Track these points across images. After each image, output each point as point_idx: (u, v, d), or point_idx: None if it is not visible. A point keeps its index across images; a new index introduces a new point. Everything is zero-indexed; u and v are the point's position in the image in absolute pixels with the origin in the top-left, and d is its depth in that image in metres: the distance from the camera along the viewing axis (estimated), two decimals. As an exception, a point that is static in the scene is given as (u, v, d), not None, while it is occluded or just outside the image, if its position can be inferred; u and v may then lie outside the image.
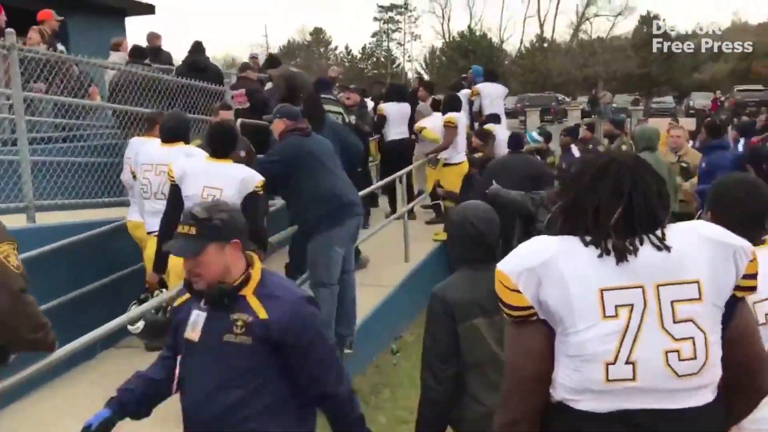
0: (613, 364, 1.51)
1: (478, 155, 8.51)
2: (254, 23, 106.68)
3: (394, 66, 60.73)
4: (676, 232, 1.60)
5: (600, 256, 1.54)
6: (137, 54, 7.48)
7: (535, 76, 49.62)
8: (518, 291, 1.58)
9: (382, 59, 61.30)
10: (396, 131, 8.64)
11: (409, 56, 61.49)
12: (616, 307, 1.52)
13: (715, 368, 1.56)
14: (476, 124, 10.04)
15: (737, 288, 1.59)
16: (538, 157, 8.31)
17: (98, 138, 6.22)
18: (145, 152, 4.70)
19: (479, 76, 11.64)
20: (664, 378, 1.52)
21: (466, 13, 60.84)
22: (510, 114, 28.96)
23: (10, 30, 4.59)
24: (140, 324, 4.50)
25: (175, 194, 4.17)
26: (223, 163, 4.17)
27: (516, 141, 7.36)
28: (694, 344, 1.52)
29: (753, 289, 1.62)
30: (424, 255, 7.38)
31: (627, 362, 1.51)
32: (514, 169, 6.38)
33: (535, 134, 9.74)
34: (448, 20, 60.19)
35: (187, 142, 4.77)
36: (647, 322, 1.52)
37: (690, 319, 1.53)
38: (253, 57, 12.51)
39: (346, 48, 61.30)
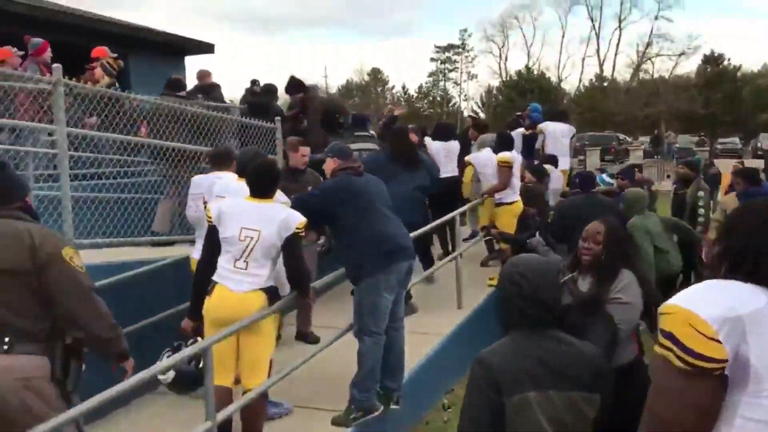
0: None
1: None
2: (314, 64, 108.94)
3: (450, 105, 60.83)
4: None
5: None
6: (174, 86, 7.32)
7: (594, 115, 48.82)
8: (718, 341, 1.41)
9: (438, 98, 61.53)
10: (443, 170, 8.36)
11: (465, 95, 61.59)
12: None
13: None
14: (535, 162, 9.68)
15: None
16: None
17: (140, 175, 6.11)
18: (223, 185, 4.61)
19: (537, 113, 11.30)
20: None
21: (523, 52, 60.59)
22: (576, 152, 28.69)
23: (57, 65, 4.50)
24: (170, 374, 4.27)
25: (211, 236, 3.99)
26: (263, 203, 3.97)
27: (587, 181, 7.02)
28: None
29: None
30: (479, 301, 6.97)
31: None
32: (589, 212, 6.02)
33: (606, 177, 9.27)
34: (506, 60, 59.99)
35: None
36: None
37: None
38: (313, 87, 12.41)
39: (403, 87, 61.80)
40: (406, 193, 6.35)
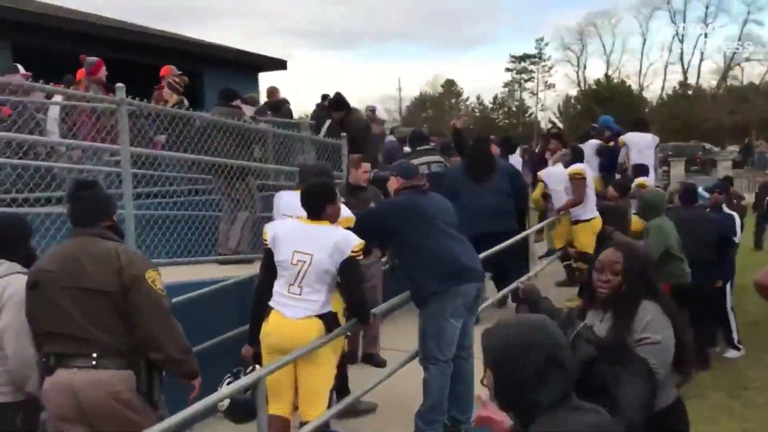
0: None
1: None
2: (389, 76, 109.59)
3: (527, 115, 59.76)
4: None
5: None
6: (227, 96, 6.79)
7: (678, 124, 46.83)
8: None
9: (515, 108, 60.57)
10: None
11: (542, 105, 60.36)
12: None
13: None
14: (618, 176, 9.19)
15: None
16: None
17: (204, 193, 6.07)
18: (287, 202, 4.50)
19: (610, 125, 10.79)
20: None
21: (602, 60, 58.81)
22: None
23: (120, 85, 4.49)
24: (226, 402, 4.15)
25: (267, 260, 3.85)
26: (317, 225, 3.77)
27: (690, 194, 6.71)
28: None
29: None
30: (555, 324, 6.56)
31: None
32: (696, 228, 5.67)
33: (701, 190, 8.70)
34: (584, 68, 58.47)
35: None
36: None
37: None
38: (371, 110, 12.32)
39: (478, 98, 61.17)
40: (487, 204, 6.36)
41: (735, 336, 7.02)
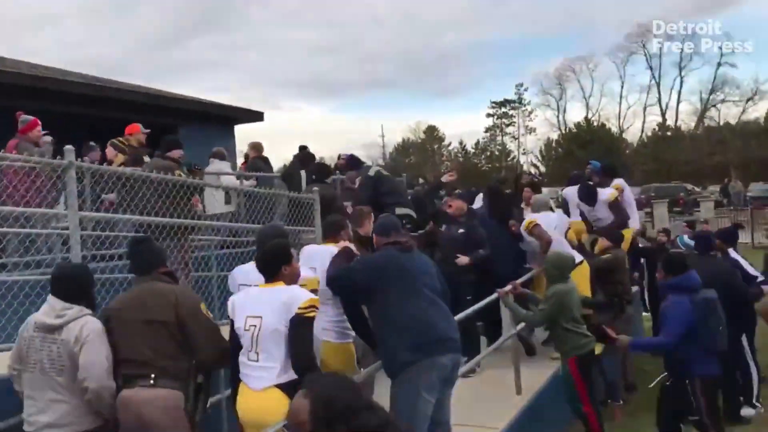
0: None
1: (605, 257, 7.53)
2: (373, 123, 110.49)
3: (509, 159, 60.18)
4: None
5: None
6: (166, 147, 6.41)
7: (659, 165, 47.26)
8: None
9: (497, 153, 61.00)
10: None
11: (524, 149, 60.84)
12: None
13: None
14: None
15: None
16: None
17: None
18: (241, 273, 4.21)
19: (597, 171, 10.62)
20: None
21: (582, 104, 59.53)
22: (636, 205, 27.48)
23: (69, 147, 4.22)
24: None
25: (231, 331, 3.60)
26: (270, 287, 3.57)
27: (706, 243, 6.59)
28: None
29: None
30: (540, 384, 6.26)
31: None
32: (707, 278, 5.38)
33: (686, 238, 8.50)
34: (564, 112, 59.18)
35: None
36: None
37: None
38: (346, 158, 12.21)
39: (461, 143, 61.59)
40: (504, 246, 7.20)
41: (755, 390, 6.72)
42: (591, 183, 8.79)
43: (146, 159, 7.74)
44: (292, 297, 3.47)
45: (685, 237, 8.63)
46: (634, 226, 8.83)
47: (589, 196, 8.37)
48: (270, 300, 3.47)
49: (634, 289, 9.92)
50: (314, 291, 3.90)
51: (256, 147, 9.49)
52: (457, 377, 4.29)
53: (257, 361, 3.45)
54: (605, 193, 8.43)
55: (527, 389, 6.01)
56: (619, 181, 8.76)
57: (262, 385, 3.42)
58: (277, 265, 3.59)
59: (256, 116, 14.49)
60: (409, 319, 3.92)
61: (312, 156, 9.45)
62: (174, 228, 4.86)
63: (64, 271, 3.61)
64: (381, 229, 4.38)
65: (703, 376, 5.01)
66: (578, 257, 7.15)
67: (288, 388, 3.38)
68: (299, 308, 3.43)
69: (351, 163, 8.24)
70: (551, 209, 7.81)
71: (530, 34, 79.11)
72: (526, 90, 60.08)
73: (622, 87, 57.17)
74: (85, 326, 3.38)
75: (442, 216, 7.34)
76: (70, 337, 3.34)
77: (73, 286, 3.48)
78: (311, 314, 3.47)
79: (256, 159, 9.28)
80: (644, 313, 11.18)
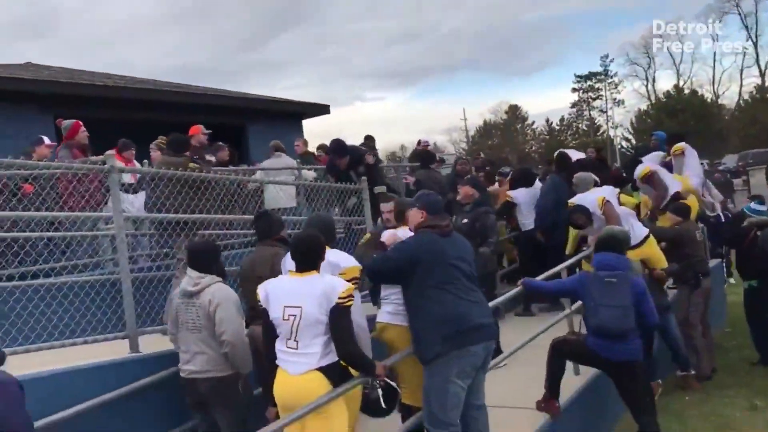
0: None
1: (669, 230, 7.27)
2: (455, 107, 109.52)
3: (599, 134, 58.21)
4: None
5: None
6: (173, 146, 6.20)
7: (758, 129, 44.40)
8: None
9: (584, 128, 59.15)
10: (532, 219, 7.90)
11: (613, 122, 58.66)
12: None
13: None
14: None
15: None
16: None
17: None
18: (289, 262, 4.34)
19: (663, 142, 10.21)
20: None
21: (672, 72, 56.66)
22: (733, 173, 25.94)
23: (110, 152, 4.47)
24: None
25: (264, 319, 3.70)
26: (305, 276, 3.64)
27: None
28: None
29: None
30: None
31: None
32: None
33: (754, 205, 8.00)
34: (653, 81, 56.56)
35: None
36: None
37: None
38: (425, 144, 12.21)
39: (547, 121, 60.11)
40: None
41: None
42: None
43: (209, 158, 8.11)
44: (331, 287, 3.56)
45: (752, 204, 8.09)
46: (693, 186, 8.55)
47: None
48: (309, 290, 3.56)
49: (714, 262, 9.46)
50: (353, 279, 3.98)
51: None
52: (489, 362, 4.24)
53: (296, 348, 3.55)
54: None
55: (585, 371, 5.85)
56: (680, 144, 8.79)
57: (301, 370, 3.53)
58: (313, 256, 3.69)
59: (323, 109, 14.72)
60: (442, 310, 3.90)
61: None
62: (181, 223, 5.04)
63: (197, 247, 4.28)
64: (432, 207, 4.20)
65: None
66: (643, 231, 6.89)
67: (329, 371, 3.55)
68: (339, 298, 3.52)
69: (337, 149, 7.46)
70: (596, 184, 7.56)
71: (614, 4, 76.07)
72: (612, 62, 57.98)
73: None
74: (217, 291, 4.03)
75: (455, 205, 7.18)
76: (205, 301, 4.00)
77: (204, 259, 4.13)
78: (349, 303, 3.57)
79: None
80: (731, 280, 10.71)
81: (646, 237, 6.85)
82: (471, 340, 3.91)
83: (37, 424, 3.51)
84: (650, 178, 8.15)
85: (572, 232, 7.37)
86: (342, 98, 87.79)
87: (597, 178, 7.49)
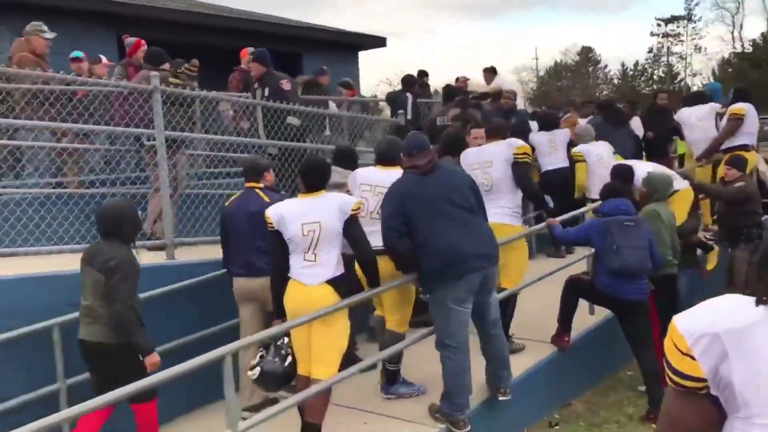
0: None
1: (738, 185, 6.83)
2: (528, 45, 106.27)
3: (677, 81, 55.73)
4: None
5: None
6: (150, 59, 6.45)
7: None
8: (692, 357, 1.32)
9: (661, 74, 56.73)
10: (548, 161, 7.87)
11: (692, 70, 56.00)
12: None
13: None
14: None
15: None
16: None
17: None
18: (364, 174, 4.80)
19: (717, 95, 9.80)
20: None
21: (761, 18, 53.48)
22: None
23: (155, 74, 4.79)
24: (257, 370, 4.37)
25: (277, 240, 4.02)
26: (316, 196, 4.01)
27: None
28: None
29: None
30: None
31: None
32: None
33: None
34: (740, 28, 53.43)
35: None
36: None
37: None
38: (464, 80, 12.04)
39: (622, 65, 57.82)
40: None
41: None
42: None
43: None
44: (344, 201, 4.00)
45: None
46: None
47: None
48: (325, 206, 3.94)
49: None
50: None
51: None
52: (494, 284, 4.44)
53: (314, 260, 3.92)
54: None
55: (600, 311, 6.03)
56: (740, 105, 8.03)
57: (317, 281, 3.91)
58: (322, 177, 4.08)
59: (379, 42, 14.72)
60: (432, 243, 4.10)
61: (413, 80, 9.56)
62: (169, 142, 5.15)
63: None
64: (407, 148, 4.37)
65: None
66: (681, 183, 6.85)
67: (338, 284, 3.95)
68: (352, 210, 3.95)
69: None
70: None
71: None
72: (697, 5, 54.87)
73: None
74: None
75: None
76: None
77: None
78: (358, 214, 4.05)
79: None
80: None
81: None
82: (464, 270, 4.08)
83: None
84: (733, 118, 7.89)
85: (579, 179, 7.46)
86: (414, 30, 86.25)
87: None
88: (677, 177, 6.70)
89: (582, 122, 8.55)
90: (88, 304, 3.86)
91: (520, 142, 5.36)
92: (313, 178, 4.02)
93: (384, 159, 4.72)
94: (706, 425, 1.35)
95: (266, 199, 4.50)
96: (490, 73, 11.16)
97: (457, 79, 12.09)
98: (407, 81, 9.23)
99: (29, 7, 8.73)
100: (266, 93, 6.37)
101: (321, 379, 3.90)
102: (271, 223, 4.00)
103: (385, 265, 4.30)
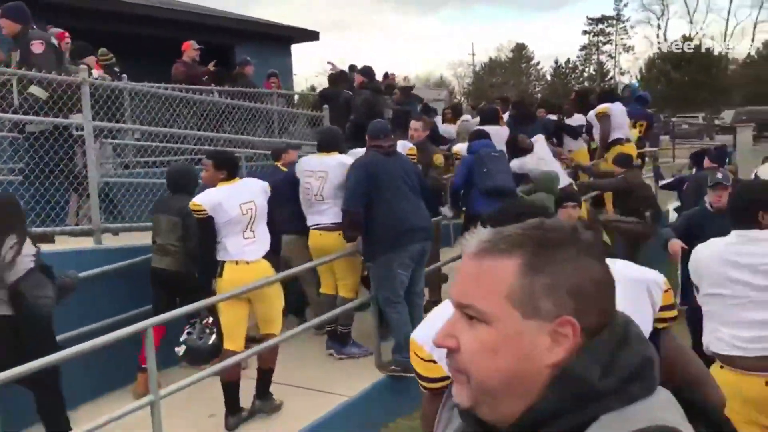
0: None
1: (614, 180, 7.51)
2: (462, 42, 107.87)
3: (607, 79, 57.77)
4: None
5: None
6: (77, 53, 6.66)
7: (764, 87, 44.15)
8: (434, 361, 1.47)
9: (593, 72, 58.71)
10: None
11: (621, 69, 58.17)
12: None
13: None
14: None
15: (657, 320, 1.54)
16: None
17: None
18: (306, 161, 5.37)
19: (637, 93, 10.57)
20: None
21: (685, 21, 55.93)
22: (727, 129, 26.15)
23: (83, 66, 5.01)
24: (183, 347, 4.67)
25: (209, 225, 4.34)
26: (237, 182, 4.49)
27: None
28: None
29: (673, 319, 1.57)
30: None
31: None
32: None
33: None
34: (665, 30, 55.78)
35: (341, 151, 5.37)
36: None
37: None
38: (392, 76, 12.41)
39: (556, 62, 59.56)
40: None
41: None
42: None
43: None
44: (263, 184, 4.56)
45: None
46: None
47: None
48: (252, 188, 4.46)
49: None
50: None
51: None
52: (427, 258, 5.16)
53: (254, 237, 4.37)
54: None
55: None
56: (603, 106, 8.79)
57: (257, 256, 4.37)
58: (234, 166, 4.58)
59: (312, 36, 15.01)
60: (385, 215, 4.76)
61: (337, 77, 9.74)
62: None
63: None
64: (373, 131, 5.03)
65: None
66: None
67: (268, 256, 4.45)
68: (267, 190, 4.52)
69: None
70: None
71: (635, -56, 73.64)
72: (626, 6, 57.05)
73: (731, 1, 53.15)
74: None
75: None
76: None
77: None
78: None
79: None
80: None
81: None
82: (410, 240, 4.76)
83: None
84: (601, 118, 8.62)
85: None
86: (357, 21, 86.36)
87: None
88: (563, 174, 7.19)
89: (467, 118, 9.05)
90: (162, 243, 4.82)
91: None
92: (232, 167, 4.49)
93: (323, 147, 5.31)
94: None
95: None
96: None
97: (386, 75, 12.50)
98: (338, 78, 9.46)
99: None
100: (18, 58, 5.40)
101: (275, 334, 4.47)
102: (204, 210, 4.30)
103: (333, 239, 5.08)
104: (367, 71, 9.18)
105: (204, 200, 4.33)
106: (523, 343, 0.86)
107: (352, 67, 12.03)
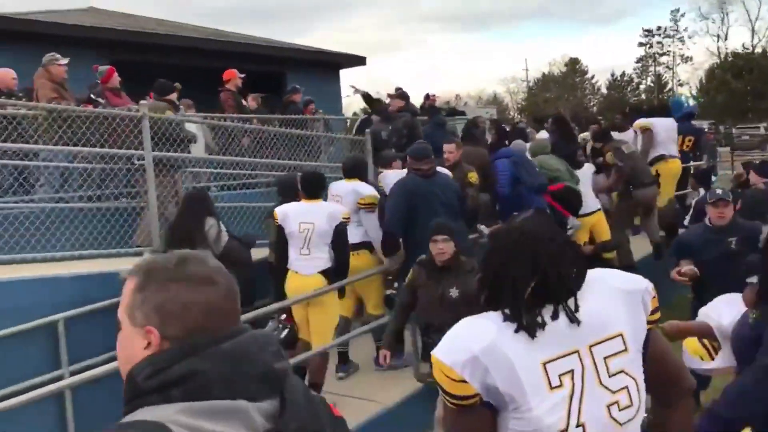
0: (566, 430, 1.55)
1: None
2: (516, 58, 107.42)
3: (666, 90, 56.65)
4: (590, 286, 1.65)
5: (516, 331, 1.56)
6: (159, 90, 6.97)
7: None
8: (464, 381, 1.55)
9: (650, 84, 57.68)
10: None
11: (679, 80, 56.98)
12: (559, 376, 1.56)
13: (644, 406, 1.65)
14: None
15: (648, 323, 1.68)
16: None
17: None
18: (334, 186, 5.68)
19: (681, 107, 10.49)
20: (610, 430, 1.59)
21: (746, 28, 54.46)
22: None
23: (143, 102, 5.52)
24: None
25: (280, 234, 4.88)
26: (314, 202, 4.88)
27: None
28: (629, 392, 1.61)
29: (658, 320, 1.72)
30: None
31: (577, 425, 1.56)
32: None
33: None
34: (725, 39, 54.43)
35: (362, 179, 5.73)
36: (587, 382, 1.58)
37: (622, 370, 1.61)
38: (433, 97, 12.55)
39: (612, 75, 58.77)
40: None
41: None
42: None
43: (245, 102, 9.13)
44: (336, 210, 4.88)
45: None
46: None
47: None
48: (317, 211, 4.80)
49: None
50: (370, 205, 5.49)
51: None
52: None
53: (309, 254, 4.77)
54: None
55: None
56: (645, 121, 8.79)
57: (312, 271, 4.77)
58: (319, 188, 4.97)
59: (359, 61, 15.43)
60: (421, 235, 4.76)
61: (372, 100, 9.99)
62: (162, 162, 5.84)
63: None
64: (414, 152, 5.30)
65: None
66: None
67: (326, 273, 4.80)
68: (342, 218, 4.83)
69: None
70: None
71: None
72: (683, 16, 55.95)
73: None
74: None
75: None
76: None
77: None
78: (347, 223, 4.91)
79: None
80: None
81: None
82: None
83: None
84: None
85: None
86: (403, 44, 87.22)
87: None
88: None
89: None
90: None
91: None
92: (311, 187, 4.89)
93: (348, 174, 5.64)
94: (487, 426, 1.60)
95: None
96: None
97: (427, 96, 12.66)
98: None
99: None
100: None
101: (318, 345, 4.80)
102: (277, 220, 4.86)
103: (358, 259, 5.27)
104: (404, 94, 9.49)
105: (279, 210, 4.92)
106: (130, 342, 1.17)
107: (400, 91, 12.37)
